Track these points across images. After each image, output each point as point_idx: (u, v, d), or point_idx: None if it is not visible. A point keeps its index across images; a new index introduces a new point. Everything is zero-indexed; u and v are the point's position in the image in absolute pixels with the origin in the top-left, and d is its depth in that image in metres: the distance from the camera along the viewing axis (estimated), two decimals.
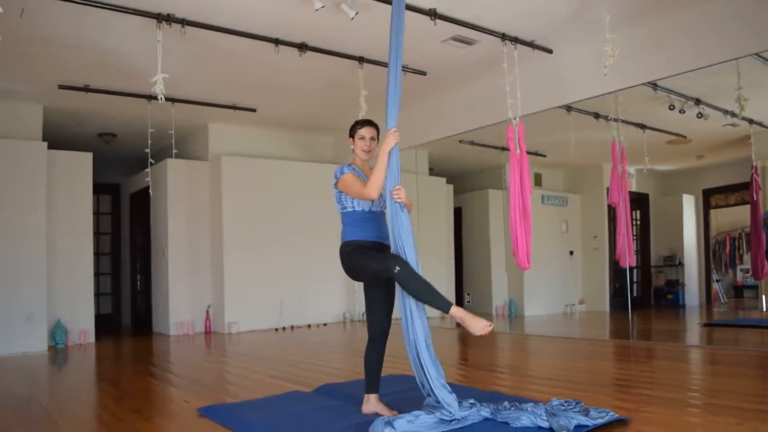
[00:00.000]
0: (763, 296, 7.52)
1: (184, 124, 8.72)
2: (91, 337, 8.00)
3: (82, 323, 7.94)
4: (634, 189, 8.08)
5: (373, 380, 3.47)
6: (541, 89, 6.56)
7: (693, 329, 7.80)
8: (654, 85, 6.12)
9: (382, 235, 3.48)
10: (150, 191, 7.62)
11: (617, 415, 3.14)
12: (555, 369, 5.12)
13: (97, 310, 9.06)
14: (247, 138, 9.34)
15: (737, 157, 7.31)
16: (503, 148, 7.60)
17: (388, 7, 3.73)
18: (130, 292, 10.56)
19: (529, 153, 5.72)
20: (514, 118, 5.72)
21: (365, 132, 3.52)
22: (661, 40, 5.66)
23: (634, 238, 8.53)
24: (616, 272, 8.29)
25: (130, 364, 6.44)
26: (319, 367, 5.47)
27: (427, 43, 6.05)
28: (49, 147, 7.66)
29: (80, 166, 8.14)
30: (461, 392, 3.57)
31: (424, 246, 7.97)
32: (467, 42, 6.09)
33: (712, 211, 8.31)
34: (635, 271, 8.59)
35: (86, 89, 6.97)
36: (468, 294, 10.25)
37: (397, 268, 3.14)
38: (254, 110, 8.27)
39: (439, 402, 3.16)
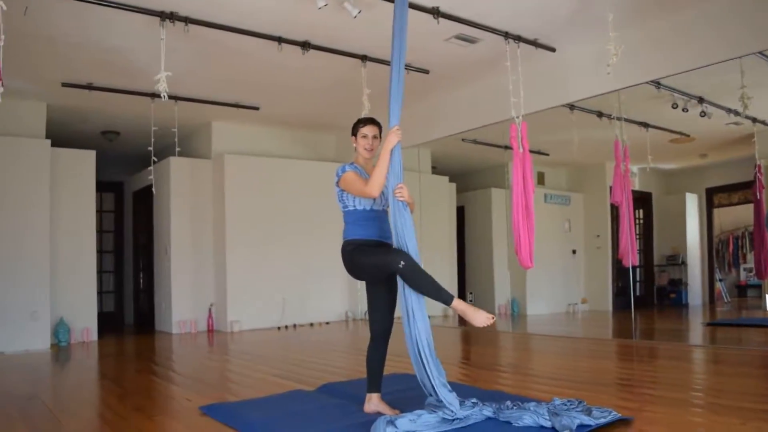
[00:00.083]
0: (767, 295, 7.51)
1: (187, 123, 8.72)
2: (94, 335, 8.01)
3: (85, 321, 7.96)
4: (637, 188, 8.07)
5: (375, 379, 3.47)
6: (544, 88, 6.55)
7: (696, 329, 7.78)
8: (657, 84, 6.10)
9: (384, 234, 3.47)
10: (153, 189, 7.63)
11: (620, 414, 3.14)
12: (557, 368, 5.11)
13: (100, 308, 9.07)
14: (250, 136, 9.35)
15: (740, 156, 7.29)
16: (506, 147, 7.59)
17: (391, 5, 3.73)
18: (133, 290, 10.58)
19: (532, 152, 5.71)
20: (517, 117, 5.71)
21: (367, 130, 3.51)
22: (664, 39, 5.65)
23: (637, 237, 8.52)
24: (619, 271, 8.29)
25: (132, 362, 6.45)
26: (322, 366, 5.48)
27: (430, 41, 6.04)
28: (53, 145, 7.66)
29: (83, 163, 8.14)
30: (463, 391, 3.57)
31: (426, 245, 7.97)
32: (470, 40, 6.08)
33: (716, 210, 8.29)
34: (638, 270, 8.57)
35: (89, 87, 6.97)
36: (471, 293, 10.25)
37: (402, 263, 3.14)
38: (257, 108, 8.28)
39: (440, 401, 3.16)
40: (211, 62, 6.49)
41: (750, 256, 7.99)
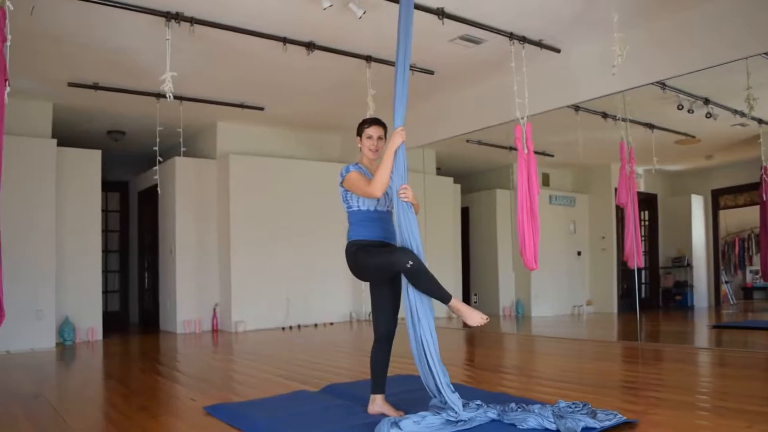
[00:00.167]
0: None
1: (192, 123, 8.74)
2: (99, 335, 8.04)
3: (90, 320, 7.98)
4: (642, 189, 8.05)
5: (379, 380, 3.46)
6: (549, 89, 6.54)
7: (702, 331, 7.76)
8: (662, 85, 6.09)
9: (388, 235, 3.47)
10: (158, 189, 7.65)
11: (625, 417, 3.13)
12: (562, 370, 5.10)
13: (105, 307, 9.11)
14: (255, 137, 9.36)
15: (746, 158, 7.26)
16: (511, 148, 7.58)
17: (396, 6, 3.73)
18: (138, 289, 10.60)
19: (536, 153, 5.70)
20: (522, 118, 5.70)
21: (372, 131, 3.51)
22: (669, 40, 5.64)
23: (643, 238, 8.49)
24: (624, 273, 8.26)
25: (137, 361, 6.47)
26: (326, 367, 5.47)
27: (435, 42, 6.04)
28: (59, 144, 7.69)
29: (89, 163, 8.17)
30: (468, 393, 3.56)
31: (431, 246, 7.97)
32: (475, 41, 6.08)
33: (721, 212, 8.25)
34: (643, 272, 8.55)
35: (95, 87, 7.00)
36: (475, 294, 10.23)
37: (410, 262, 3.15)
38: (262, 109, 8.29)
39: (445, 403, 3.15)
40: (216, 62, 6.50)
41: (756, 259, 7.96)
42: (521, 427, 3.04)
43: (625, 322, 7.97)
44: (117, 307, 10.77)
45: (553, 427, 2.99)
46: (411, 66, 5.20)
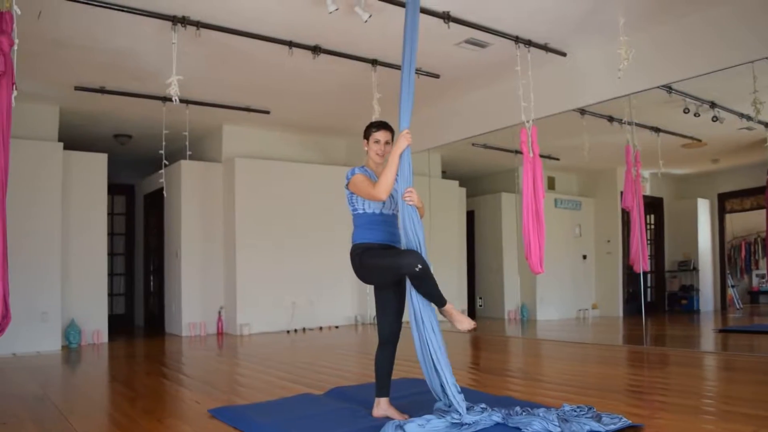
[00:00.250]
0: None
1: (198, 126, 8.76)
2: (104, 337, 8.06)
3: (96, 323, 8.00)
4: (648, 193, 8.03)
5: (383, 383, 3.46)
6: (555, 92, 6.53)
7: (707, 335, 7.73)
8: (668, 89, 6.08)
9: (393, 239, 3.48)
10: (164, 192, 7.66)
11: (630, 421, 3.12)
12: (567, 374, 5.09)
13: (111, 310, 9.13)
14: (261, 140, 9.38)
15: (753, 161, 7.24)
16: (516, 152, 7.57)
17: (402, 9, 3.74)
18: (143, 292, 10.63)
19: (542, 156, 5.69)
20: (528, 121, 5.70)
21: (380, 136, 3.50)
22: (675, 44, 5.63)
23: (648, 242, 8.46)
24: (630, 277, 8.24)
25: (142, 364, 6.48)
26: (331, 370, 5.48)
27: (441, 45, 6.05)
28: (65, 148, 7.73)
29: (95, 166, 8.20)
30: (472, 397, 3.55)
31: (436, 249, 7.96)
32: (481, 45, 6.08)
33: (728, 216, 8.23)
34: (649, 275, 8.52)
35: (102, 91, 7.02)
36: (480, 298, 10.22)
37: (419, 266, 3.16)
38: (268, 112, 8.30)
39: (449, 405, 3.15)
40: (222, 66, 6.52)
41: (762, 262, 7.93)
42: (526, 430, 3.02)
43: (630, 325, 7.95)
44: (122, 309, 10.81)
45: (557, 430, 2.98)
46: (416, 69, 5.19)
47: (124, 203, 10.98)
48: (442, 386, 3.21)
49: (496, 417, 3.19)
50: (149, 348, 7.75)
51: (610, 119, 7.14)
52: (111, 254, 9.75)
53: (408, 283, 3.29)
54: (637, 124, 6.98)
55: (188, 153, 8.03)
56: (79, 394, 4.82)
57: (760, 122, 6.40)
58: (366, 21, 5.08)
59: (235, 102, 7.89)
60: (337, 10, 4.90)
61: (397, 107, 3.51)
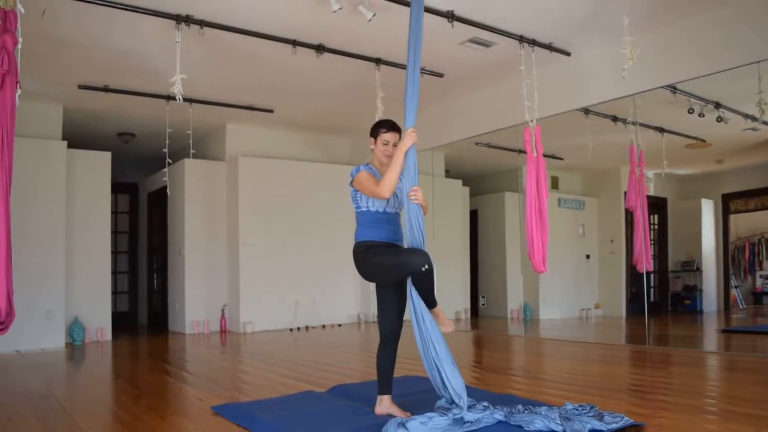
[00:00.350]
0: None
1: (201, 125, 8.78)
2: (108, 335, 8.08)
3: (100, 321, 8.02)
4: (652, 193, 8.02)
5: (385, 381, 3.47)
6: (559, 92, 6.53)
7: (710, 335, 7.72)
8: (673, 89, 6.07)
9: (396, 237, 3.48)
10: (167, 191, 7.68)
11: (632, 420, 3.12)
12: (569, 373, 5.09)
13: (114, 308, 9.17)
14: (264, 139, 9.39)
15: (757, 162, 7.23)
16: (520, 151, 7.57)
17: (406, 8, 3.75)
18: (147, 290, 10.65)
19: (546, 156, 5.69)
20: (531, 121, 5.70)
21: (389, 137, 3.47)
22: (680, 44, 5.63)
23: (652, 242, 8.45)
24: (633, 277, 8.23)
25: (145, 361, 6.50)
26: (333, 368, 5.48)
27: (445, 45, 6.05)
28: (69, 146, 7.75)
29: (99, 165, 8.23)
30: (475, 395, 3.56)
31: (439, 248, 7.96)
32: (485, 44, 6.08)
33: (732, 216, 8.22)
34: (652, 275, 8.52)
35: (105, 89, 7.04)
36: (483, 297, 10.22)
37: (426, 266, 3.17)
38: (271, 111, 8.31)
39: (451, 402, 3.16)
40: (225, 65, 6.53)
41: (766, 263, 7.92)
42: (528, 428, 3.03)
43: (633, 325, 7.94)
44: (126, 307, 10.83)
45: (559, 429, 2.98)
46: (420, 68, 5.20)
47: (128, 201, 11.00)
48: (443, 382, 3.22)
49: (498, 415, 3.19)
50: (153, 345, 7.77)
51: (614, 119, 7.13)
52: (115, 252, 9.79)
53: (408, 281, 3.30)
54: (642, 124, 6.98)
55: (192, 151, 8.05)
56: (82, 392, 4.84)
57: (764, 123, 6.36)
58: (370, 20, 5.08)
59: (239, 101, 7.90)
60: (340, 9, 4.90)
61: (400, 106, 3.51)
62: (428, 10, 5.01)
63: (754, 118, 6.40)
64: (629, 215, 7.73)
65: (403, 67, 6.40)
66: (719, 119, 6.65)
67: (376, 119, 5.88)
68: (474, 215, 10.42)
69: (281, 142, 9.55)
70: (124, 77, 6.78)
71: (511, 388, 4.35)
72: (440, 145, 8.47)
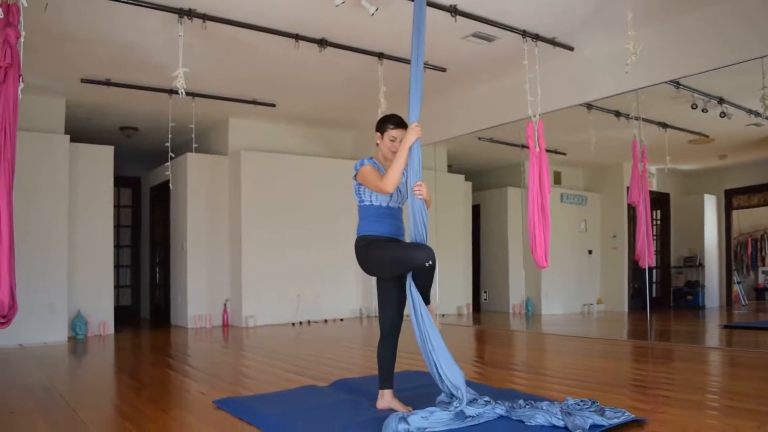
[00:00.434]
0: None
1: (204, 119, 8.78)
2: (111, 329, 8.10)
3: (102, 315, 8.04)
4: (654, 188, 8.01)
5: (386, 376, 3.48)
6: (562, 87, 6.52)
7: (712, 331, 7.72)
8: (676, 84, 6.05)
9: (398, 231, 3.49)
10: (170, 185, 7.68)
11: (633, 415, 3.12)
12: (571, 368, 5.09)
13: (117, 301, 9.18)
14: (267, 133, 9.39)
15: (761, 158, 7.22)
16: (523, 146, 7.55)
17: (408, 3, 3.74)
18: (149, 284, 10.67)
19: (548, 151, 5.68)
20: (534, 116, 5.69)
21: (397, 134, 3.45)
22: (683, 38, 5.61)
23: (654, 238, 8.45)
24: (635, 272, 8.23)
25: (148, 355, 6.51)
26: (335, 362, 5.49)
27: (447, 39, 6.03)
28: (71, 140, 7.75)
29: (102, 159, 8.23)
30: (476, 390, 3.56)
31: (441, 243, 7.96)
32: (488, 39, 6.06)
33: (734, 212, 8.20)
34: (654, 271, 8.51)
35: (108, 83, 7.04)
36: (485, 292, 10.22)
37: (430, 261, 3.18)
38: (274, 105, 8.31)
39: (452, 395, 3.17)
40: (228, 59, 6.52)
41: None
42: (529, 423, 3.04)
43: (635, 321, 7.94)
44: (128, 301, 10.85)
45: (561, 424, 2.99)
46: (423, 63, 5.19)
47: (131, 196, 11.01)
48: (440, 375, 3.23)
49: (500, 410, 3.20)
50: (155, 339, 7.79)
51: (617, 114, 7.12)
52: (117, 246, 9.79)
53: (408, 276, 3.30)
54: (645, 120, 6.96)
55: (194, 146, 8.05)
56: (85, 385, 4.86)
57: None
58: (372, 14, 5.07)
59: (241, 95, 7.90)
60: (343, 2, 4.90)
61: (403, 101, 3.51)
62: (431, 4, 5.00)
63: (757, 114, 6.39)
64: (632, 211, 7.73)
65: (405, 61, 6.39)
66: (723, 115, 6.63)
67: (379, 114, 5.90)
68: (476, 210, 10.41)
69: (283, 137, 9.55)
70: (126, 71, 6.77)
71: (513, 383, 4.36)
72: (443, 139, 8.47)
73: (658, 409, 3.38)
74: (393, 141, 3.45)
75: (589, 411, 3.12)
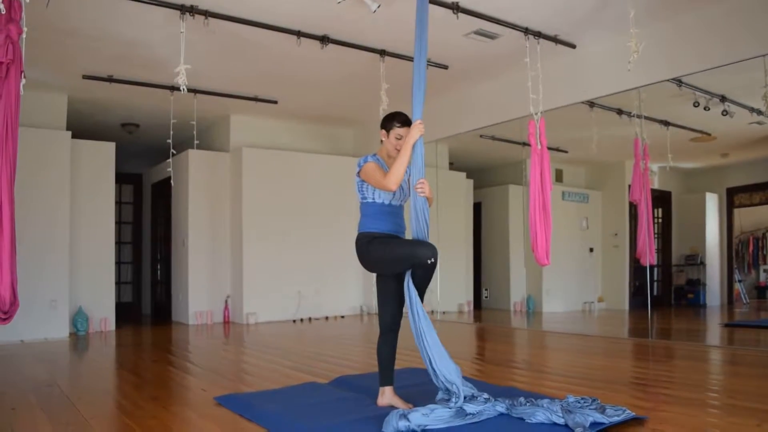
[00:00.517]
0: None
1: (205, 116, 8.78)
2: (112, 325, 8.11)
3: (103, 311, 8.05)
4: (656, 186, 8.00)
5: (386, 373, 3.48)
6: (564, 84, 6.51)
7: (713, 329, 7.71)
8: (678, 82, 6.04)
9: (399, 229, 3.49)
10: (171, 182, 7.69)
11: (634, 413, 3.12)
12: (572, 366, 5.09)
13: (118, 298, 9.19)
14: (268, 130, 9.39)
15: (762, 156, 7.20)
16: (524, 144, 7.56)
17: (410, 0, 3.73)
18: (151, 281, 10.68)
19: (550, 149, 5.68)
20: (536, 114, 5.68)
21: (404, 132, 3.44)
22: (686, 36, 5.60)
23: (656, 236, 8.43)
24: (637, 270, 8.22)
25: (149, 352, 6.52)
26: (336, 359, 5.50)
27: (450, 36, 6.03)
28: (73, 136, 7.76)
29: (103, 155, 8.23)
30: (477, 387, 3.56)
31: (443, 240, 7.96)
32: (490, 36, 6.06)
33: (736, 210, 8.19)
34: (656, 269, 8.50)
35: (110, 80, 7.04)
36: (486, 289, 10.22)
37: (432, 259, 3.19)
38: (275, 102, 8.31)
39: (448, 392, 3.17)
40: (230, 56, 6.52)
41: None
42: (530, 421, 3.04)
43: (636, 319, 7.94)
44: (130, 298, 10.86)
45: (561, 421, 2.99)
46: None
47: (132, 192, 11.01)
48: (434, 371, 3.23)
49: (500, 407, 3.20)
50: (156, 336, 7.79)
51: (619, 112, 7.11)
52: (118, 243, 9.80)
53: (407, 273, 3.30)
54: (646, 118, 6.95)
55: (196, 142, 8.06)
56: (86, 381, 4.87)
57: None
58: (374, 11, 5.07)
59: (243, 92, 7.89)
60: None
61: (404, 98, 3.51)
62: (433, 1, 5.00)
63: (759, 112, 6.37)
64: (633, 209, 7.73)
65: (407, 58, 6.39)
66: (725, 113, 6.62)
67: (381, 111, 5.89)
68: (478, 208, 10.40)
69: (285, 133, 9.55)
70: (128, 67, 6.77)
71: (514, 380, 4.36)
72: (444, 137, 8.46)
73: (659, 407, 3.38)
74: (399, 139, 3.44)
75: (590, 409, 3.12)
